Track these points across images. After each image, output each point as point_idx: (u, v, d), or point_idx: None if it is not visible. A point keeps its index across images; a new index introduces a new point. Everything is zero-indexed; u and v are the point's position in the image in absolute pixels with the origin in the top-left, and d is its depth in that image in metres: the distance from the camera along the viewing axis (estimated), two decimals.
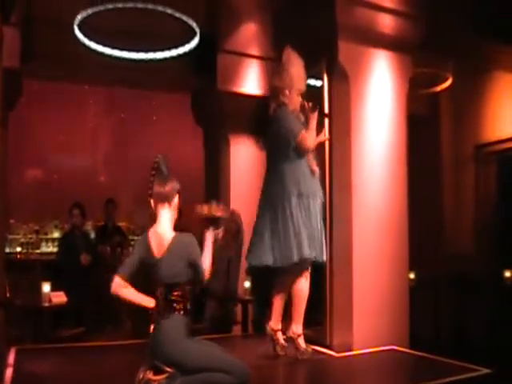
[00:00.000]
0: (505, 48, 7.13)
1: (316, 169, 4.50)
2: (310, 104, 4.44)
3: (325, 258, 4.54)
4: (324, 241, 4.54)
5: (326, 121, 5.12)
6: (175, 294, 3.20)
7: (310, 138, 4.40)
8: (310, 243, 4.33)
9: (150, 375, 3.21)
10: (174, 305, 3.20)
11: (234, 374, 3.10)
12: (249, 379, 3.15)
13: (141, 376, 3.20)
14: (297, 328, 4.50)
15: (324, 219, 4.68)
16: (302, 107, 4.49)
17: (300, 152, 4.41)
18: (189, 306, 3.26)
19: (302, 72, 4.58)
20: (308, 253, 4.31)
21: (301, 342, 4.49)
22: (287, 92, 4.50)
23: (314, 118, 4.45)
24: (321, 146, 4.85)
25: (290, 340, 4.52)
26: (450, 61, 7.20)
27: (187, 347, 3.14)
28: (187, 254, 3.21)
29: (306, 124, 4.48)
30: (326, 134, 4.90)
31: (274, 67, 4.80)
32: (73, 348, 5.06)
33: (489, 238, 7.53)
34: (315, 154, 4.60)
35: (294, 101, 4.52)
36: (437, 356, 4.54)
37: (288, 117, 4.48)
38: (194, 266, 3.22)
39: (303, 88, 4.58)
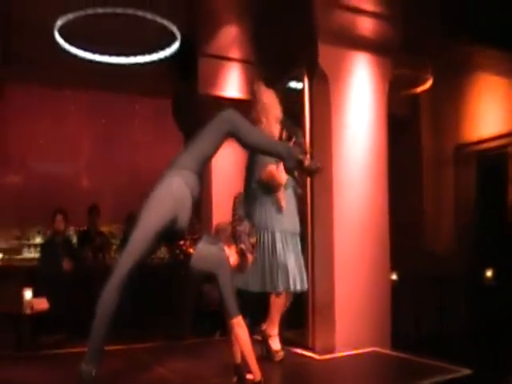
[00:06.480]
0: (484, 49, 7.21)
1: (283, 205, 4.45)
2: (286, 134, 4.42)
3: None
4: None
5: (307, 123, 5.16)
6: None
7: (279, 172, 4.33)
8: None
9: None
10: None
11: None
12: None
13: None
14: (269, 329, 4.51)
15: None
16: (280, 137, 4.47)
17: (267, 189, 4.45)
18: None
19: (274, 100, 4.60)
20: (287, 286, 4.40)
21: (272, 343, 4.49)
22: (264, 119, 4.52)
23: None
24: None
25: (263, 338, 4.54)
26: (430, 62, 7.25)
27: None
28: None
29: None
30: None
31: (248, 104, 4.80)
32: (54, 355, 4.99)
33: (469, 237, 7.60)
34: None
35: (273, 128, 4.51)
36: (418, 357, 4.57)
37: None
38: None
39: (279, 115, 4.58)
